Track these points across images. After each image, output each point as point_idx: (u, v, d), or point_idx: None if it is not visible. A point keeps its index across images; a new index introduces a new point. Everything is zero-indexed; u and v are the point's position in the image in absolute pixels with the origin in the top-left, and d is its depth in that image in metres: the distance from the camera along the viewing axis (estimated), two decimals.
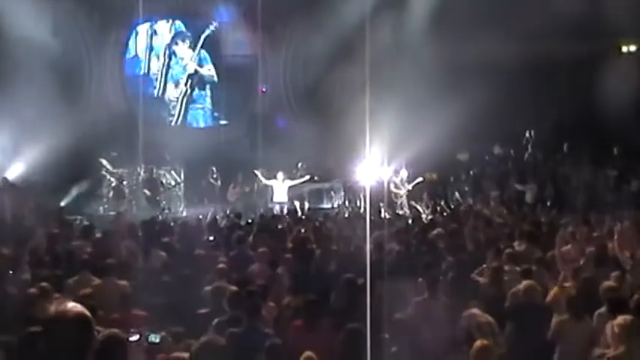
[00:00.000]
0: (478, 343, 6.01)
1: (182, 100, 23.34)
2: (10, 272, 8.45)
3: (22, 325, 6.33)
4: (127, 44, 22.52)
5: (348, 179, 20.63)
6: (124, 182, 19.93)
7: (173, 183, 21.11)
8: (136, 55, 22.84)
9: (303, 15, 22.39)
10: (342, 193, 20.99)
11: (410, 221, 15.25)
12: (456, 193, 20.13)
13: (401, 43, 21.94)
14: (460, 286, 8.67)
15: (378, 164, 19.09)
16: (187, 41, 23.19)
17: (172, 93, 23.23)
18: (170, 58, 23.07)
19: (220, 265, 8.84)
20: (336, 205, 20.70)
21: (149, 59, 22.93)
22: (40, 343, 4.32)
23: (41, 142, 18.14)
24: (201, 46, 23.21)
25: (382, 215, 16.60)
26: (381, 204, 17.74)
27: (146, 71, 22.94)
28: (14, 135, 18.06)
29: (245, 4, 22.64)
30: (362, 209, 18.62)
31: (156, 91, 23.11)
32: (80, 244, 10.84)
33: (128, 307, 7.16)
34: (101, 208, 19.85)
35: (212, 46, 23.07)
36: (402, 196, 19.53)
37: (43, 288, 7.40)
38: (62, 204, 18.29)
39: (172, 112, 23.28)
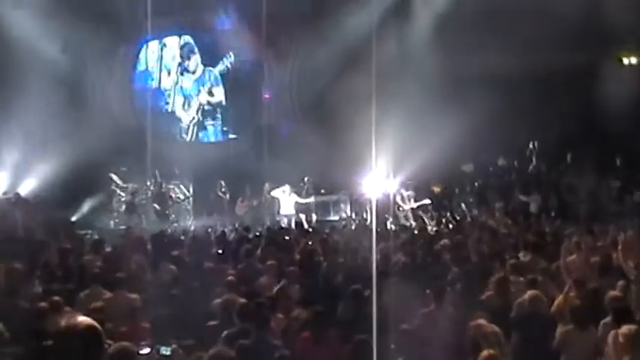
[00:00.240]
0: (485, 352, 5.99)
1: (192, 117, 23.38)
2: (22, 286, 8.45)
3: (34, 338, 6.36)
4: (136, 59, 22.59)
5: (354, 192, 20.61)
6: (133, 196, 19.95)
7: (182, 197, 21.16)
8: (145, 69, 22.91)
9: (308, 27, 22.45)
10: (349, 206, 20.97)
11: (415, 233, 15.24)
12: (462, 205, 20.08)
13: (406, 55, 21.98)
14: (466, 296, 8.65)
15: (384, 177, 19.08)
16: (196, 56, 23.26)
17: (182, 108, 23.27)
18: (179, 74, 23.14)
19: (229, 278, 8.84)
20: (342, 218, 20.68)
21: (158, 74, 23.00)
22: (50, 356, 4.32)
23: (52, 157, 18.24)
24: (209, 64, 23.32)
25: (388, 227, 16.57)
26: (387, 216, 17.72)
27: (155, 86, 22.99)
28: (26, 150, 18.12)
29: (251, 17, 22.69)
30: (368, 221, 18.59)
31: (165, 107, 23.15)
32: (91, 258, 10.87)
33: (137, 320, 7.16)
34: (111, 222, 19.88)
35: (218, 61, 23.11)
36: (406, 210, 19.51)
37: (55, 302, 7.42)
38: (73, 218, 18.34)
39: (182, 128, 23.31)
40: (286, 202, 19.65)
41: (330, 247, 12.44)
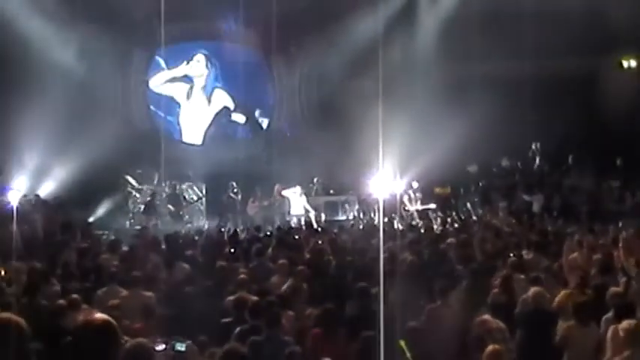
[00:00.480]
0: (490, 348, 5.98)
1: (205, 121, 23.43)
2: (42, 285, 8.49)
3: (53, 335, 6.39)
4: (150, 64, 22.64)
5: (362, 192, 20.60)
6: (149, 198, 20.00)
7: (195, 198, 21.21)
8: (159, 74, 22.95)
9: (316, 33, 22.48)
10: (357, 206, 20.96)
11: (422, 232, 15.22)
12: (467, 205, 20.03)
13: (412, 59, 21.99)
14: (471, 294, 8.64)
15: (391, 178, 19.06)
16: (207, 62, 23.29)
17: (194, 113, 23.31)
18: (192, 79, 23.18)
19: (241, 277, 8.85)
20: (350, 218, 20.68)
21: (172, 84, 23.04)
22: (68, 352, 4.36)
23: (70, 160, 18.31)
24: (220, 69, 23.37)
25: (395, 227, 16.55)
26: (394, 216, 17.70)
27: (170, 96, 23.04)
28: (45, 154, 18.21)
29: (260, 23, 22.74)
30: (375, 221, 18.57)
31: (178, 111, 23.20)
32: (108, 258, 10.90)
33: (151, 317, 7.17)
34: (127, 222, 19.94)
35: (229, 67, 23.13)
36: (412, 210, 19.50)
37: (73, 299, 7.47)
38: (90, 219, 18.40)
39: (195, 131, 23.35)
40: (296, 202, 19.70)
41: (338, 246, 12.45)
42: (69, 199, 18.26)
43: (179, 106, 23.11)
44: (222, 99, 23.49)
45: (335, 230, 15.99)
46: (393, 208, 17.89)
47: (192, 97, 23.21)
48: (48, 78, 18.17)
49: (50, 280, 8.93)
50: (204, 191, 21.25)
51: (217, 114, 23.49)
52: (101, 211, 19.37)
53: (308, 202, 20.19)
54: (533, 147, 21.98)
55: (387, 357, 5.79)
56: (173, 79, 22.91)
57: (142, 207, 19.92)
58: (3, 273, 9.48)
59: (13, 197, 14.67)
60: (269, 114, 24.21)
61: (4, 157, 17.68)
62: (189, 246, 12.21)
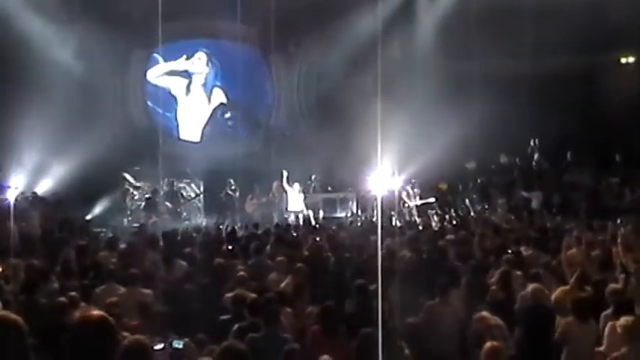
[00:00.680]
0: (488, 344, 5.98)
1: (203, 118, 23.42)
2: (41, 282, 8.47)
3: (52, 332, 6.39)
4: (148, 62, 22.62)
5: (361, 189, 20.61)
6: (150, 195, 20.00)
7: (193, 195, 21.20)
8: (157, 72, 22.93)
9: (315, 33, 22.47)
10: (355, 203, 20.96)
11: (420, 229, 15.22)
12: (466, 201, 20.03)
13: (411, 56, 21.99)
14: (470, 290, 8.65)
15: (389, 174, 19.04)
16: (206, 59, 23.28)
17: (192, 109, 23.29)
18: (190, 76, 23.16)
19: (240, 274, 8.84)
20: (349, 215, 20.68)
21: (170, 77, 23.02)
22: (66, 348, 4.38)
23: (68, 158, 18.31)
24: (218, 67, 23.35)
25: (393, 223, 16.56)
26: (393, 213, 17.70)
27: (168, 89, 23.02)
28: (43, 152, 18.19)
29: (259, 21, 22.72)
30: (374, 218, 18.58)
31: (176, 108, 23.18)
32: (106, 255, 10.90)
33: (148, 314, 7.16)
34: (125, 220, 19.93)
35: (228, 65, 23.11)
36: (411, 207, 19.50)
37: (71, 297, 7.45)
38: (88, 217, 18.41)
39: (193, 128, 23.34)
40: (294, 199, 19.69)
41: (337, 243, 12.45)
42: (67, 197, 18.27)
43: (177, 102, 23.09)
44: (221, 97, 23.48)
45: (333, 227, 15.99)
46: (391, 205, 17.89)
47: (190, 93, 23.21)
48: (46, 76, 18.14)
49: (48, 278, 8.92)
50: (202, 188, 21.23)
51: (215, 111, 23.47)
52: (99, 208, 19.38)
53: (306, 199, 20.19)
54: (532, 143, 21.97)
55: (386, 354, 5.78)
56: (172, 72, 22.88)
57: (143, 204, 19.93)
58: (1, 270, 9.47)
59: (11, 195, 14.64)
60: (267, 112, 24.21)
61: (2, 155, 17.65)
62: (188, 243, 12.19)
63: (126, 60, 22.01)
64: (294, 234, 14.56)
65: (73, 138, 18.17)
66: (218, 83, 23.44)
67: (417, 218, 18.64)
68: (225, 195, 20.54)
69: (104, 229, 17.27)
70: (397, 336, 6.99)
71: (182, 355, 5.29)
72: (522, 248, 10.84)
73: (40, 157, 18.23)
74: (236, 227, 16.45)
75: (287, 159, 20.79)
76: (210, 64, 23.33)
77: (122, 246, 11.99)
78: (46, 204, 17.32)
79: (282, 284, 8.86)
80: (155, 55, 22.51)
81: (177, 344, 5.27)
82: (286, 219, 19.34)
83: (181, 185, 20.98)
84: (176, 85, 23.02)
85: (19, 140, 17.77)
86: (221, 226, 16.57)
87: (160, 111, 22.64)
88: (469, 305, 8.09)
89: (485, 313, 7.28)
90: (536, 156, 22.01)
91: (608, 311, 7.18)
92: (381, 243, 10.77)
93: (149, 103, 22.67)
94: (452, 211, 18.68)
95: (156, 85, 22.69)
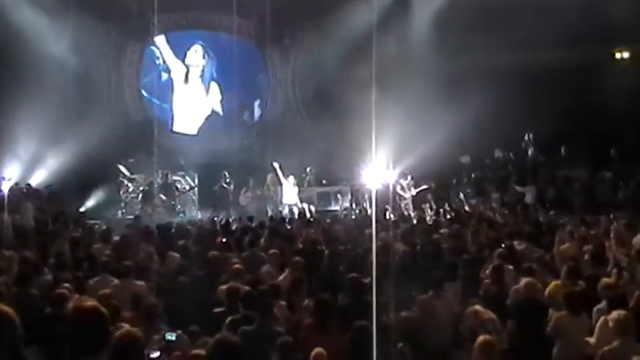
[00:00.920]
0: (481, 338, 5.98)
1: (198, 110, 23.37)
2: (34, 274, 8.45)
3: (45, 324, 6.38)
4: (143, 55, 22.54)
5: (355, 182, 20.62)
6: (147, 187, 19.97)
7: (188, 188, 21.16)
8: (152, 64, 22.84)
9: (311, 26, 22.43)
10: (349, 196, 20.96)
11: (415, 223, 15.23)
12: (460, 195, 20.05)
13: (405, 50, 21.95)
14: (464, 284, 8.66)
15: (384, 168, 19.05)
16: (201, 51, 23.23)
17: (187, 102, 23.24)
18: (185, 68, 23.10)
19: (234, 267, 8.83)
20: (343, 208, 20.68)
21: (165, 70, 22.96)
22: (59, 339, 4.38)
23: (62, 150, 18.26)
24: (214, 59, 23.30)
25: (388, 217, 16.57)
26: (387, 206, 17.71)
27: (162, 81, 22.96)
28: (37, 143, 18.14)
29: (255, 16, 22.69)
30: (368, 211, 18.58)
31: (171, 100, 23.13)
32: (100, 248, 10.88)
33: (141, 306, 7.15)
34: (120, 212, 19.89)
35: (223, 57, 23.06)
36: (407, 199, 19.51)
37: (65, 289, 7.43)
38: (82, 209, 18.38)
39: (188, 121, 23.29)
40: (289, 192, 19.68)
41: (331, 236, 12.45)
42: (61, 189, 18.24)
43: (174, 92, 23.03)
44: (217, 90, 23.42)
45: (328, 220, 15.99)
46: (386, 199, 17.89)
47: (187, 84, 23.16)
48: (41, 68, 18.09)
49: (42, 270, 8.90)
50: (196, 181, 21.20)
51: (211, 104, 23.43)
52: (93, 200, 19.36)
53: (301, 192, 20.18)
54: (526, 138, 22.01)
55: (380, 347, 5.78)
56: (168, 69, 22.85)
57: (140, 196, 19.90)
58: None
59: (5, 186, 14.62)
60: (262, 104, 24.17)
61: None
62: (182, 236, 12.17)
63: (121, 52, 21.95)
64: (289, 227, 14.55)
65: (68, 130, 18.16)
66: (215, 76, 23.38)
67: (411, 212, 18.64)
68: (219, 188, 20.52)
69: (98, 221, 17.24)
70: (392, 331, 6.99)
71: (174, 347, 5.28)
72: (516, 242, 10.85)
73: (34, 148, 18.19)
74: (230, 220, 16.42)
75: (282, 152, 20.78)
76: (206, 57, 23.28)
77: (116, 238, 11.96)
78: (39, 196, 17.30)
79: (280, 277, 8.84)
80: (152, 47, 22.44)
81: (170, 336, 5.26)
82: (281, 212, 19.35)
83: (176, 178, 20.93)
84: (177, 69, 22.94)
85: (13, 131, 17.73)
86: (215, 219, 16.54)
87: (157, 102, 22.60)
88: (463, 299, 8.10)
89: (478, 307, 7.28)
90: (530, 150, 22.06)
91: (602, 305, 7.19)
92: (376, 236, 10.77)
93: (145, 93, 22.61)
94: (446, 205, 18.67)
95: (153, 74, 22.62)
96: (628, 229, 11.15)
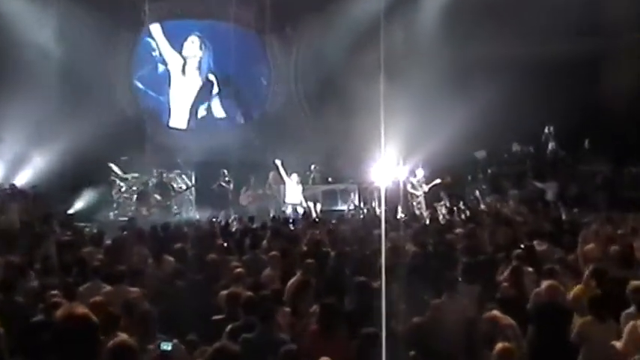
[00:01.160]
0: (499, 346, 5.95)
1: (195, 105, 23.38)
2: (19, 280, 8.44)
3: (31, 333, 6.37)
4: (135, 45, 22.55)
5: (363, 180, 20.60)
6: (142, 187, 19.98)
7: (184, 187, 21.16)
8: (146, 55, 22.86)
9: (314, 14, 22.40)
10: (357, 195, 20.94)
11: (427, 222, 15.22)
12: (476, 193, 20.01)
13: (416, 40, 21.90)
14: (479, 288, 8.62)
15: (394, 164, 19.02)
16: (198, 42, 23.23)
17: (183, 96, 23.25)
18: (181, 59, 23.10)
19: (235, 270, 8.82)
20: (350, 207, 20.67)
21: (162, 62, 22.98)
22: (47, 348, 4.38)
23: (49, 148, 18.25)
24: (212, 51, 23.30)
25: (398, 216, 16.55)
26: (397, 205, 17.69)
27: (156, 73, 22.98)
28: (22, 141, 18.15)
29: (255, 4, 22.68)
30: (377, 210, 18.56)
31: (166, 94, 23.15)
32: (91, 251, 10.87)
33: (134, 313, 7.14)
34: (112, 214, 19.91)
35: (222, 48, 23.06)
36: (419, 197, 19.49)
37: (52, 295, 7.42)
38: (71, 210, 18.39)
39: (184, 116, 23.31)
40: (292, 191, 19.67)
41: (337, 237, 12.44)
42: (48, 189, 18.23)
43: (170, 84, 23.04)
44: (215, 82, 23.43)
45: (334, 221, 15.99)
46: (395, 197, 17.87)
47: (185, 77, 23.17)
48: (26, 61, 18.11)
49: (28, 276, 8.89)
50: (193, 180, 21.20)
51: (209, 97, 23.44)
52: (83, 201, 19.35)
53: (305, 190, 20.16)
54: (547, 130, 21.95)
55: (389, 355, 5.75)
56: (161, 59, 22.85)
57: (135, 197, 19.93)
58: None
59: None
60: (263, 97, 24.16)
61: None
62: (179, 238, 12.17)
63: (112, 42, 21.91)
64: (292, 228, 14.56)
65: (55, 126, 18.14)
66: (213, 68, 23.39)
67: (423, 211, 18.61)
68: (218, 187, 20.55)
69: (89, 224, 17.25)
70: (402, 339, 6.96)
71: (170, 357, 5.27)
72: (536, 243, 10.81)
73: (19, 146, 18.21)
74: (230, 221, 16.44)
75: (284, 148, 20.76)
76: (203, 48, 23.29)
77: (108, 241, 11.96)
78: (25, 196, 17.31)
79: (290, 281, 8.80)
80: (147, 39, 22.45)
81: (166, 346, 5.25)
82: (284, 212, 19.36)
83: (172, 176, 20.96)
84: (173, 61, 22.95)
85: None
86: (214, 220, 16.54)
87: (153, 94, 22.62)
88: (479, 304, 8.06)
89: (495, 312, 7.24)
90: (550, 144, 21.99)
91: (631, 310, 7.14)
92: (385, 237, 10.76)
93: (140, 85, 22.62)
94: (460, 203, 18.64)
95: (149, 66, 22.64)
96: None
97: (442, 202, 19.06)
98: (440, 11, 21.61)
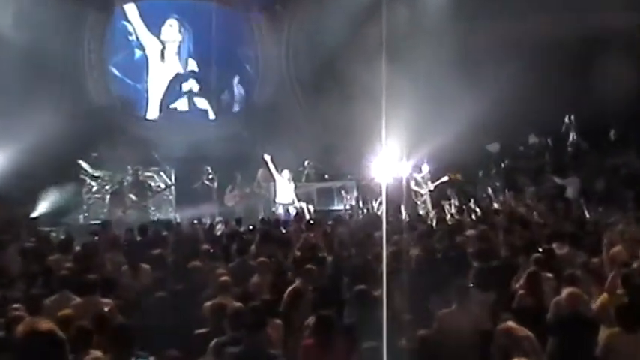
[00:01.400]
0: None
1: (175, 94, 23.37)
2: None
3: None
4: (107, 28, 22.51)
5: (362, 177, 20.63)
6: (117, 187, 19.98)
7: (163, 186, 21.15)
8: (119, 39, 22.83)
9: None
10: (355, 193, 20.97)
11: (434, 223, 15.24)
12: (489, 189, 20.06)
13: (421, 20, 21.91)
14: (493, 296, 8.63)
15: (396, 159, 19.05)
16: (177, 26, 23.22)
17: (161, 84, 23.24)
18: (158, 44, 23.09)
19: (221, 279, 8.83)
20: (348, 207, 20.70)
21: (136, 46, 22.97)
22: None
23: (8, 145, 18.17)
24: (192, 34, 23.30)
25: (402, 217, 16.58)
26: (401, 204, 17.71)
27: (130, 59, 22.96)
28: None
29: None
30: (378, 211, 18.58)
31: (142, 83, 23.14)
32: (58, 259, 10.86)
33: (106, 328, 7.14)
34: (81, 217, 19.89)
35: (203, 31, 23.04)
36: (424, 196, 19.52)
37: (15, 309, 7.41)
38: (35, 214, 18.35)
39: (162, 107, 23.30)
40: (283, 189, 19.67)
41: (334, 241, 12.46)
42: (8, 191, 18.16)
43: (142, 76, 23.03)
44: (196, 69, 23.43)
45: (330, 222, 16.03)
46: (399, 196, 17.90)
47: (164, 63, 23.16)
48: None
49: None
50: (173, 178, 21.20)
51: (189, 86, 23.45)
52: (48, 204, 19.29)
53: (298, 189, 20.17)
54: (567, 120, 21.99)
55: None
56: (136, 44, 22.85)
57: (108, 197, 19.94)
58: None
59: None
60: (250, 85, 24.15)
61: None
62: (157, 243, 12.18)
63: (80, 25, 21.83)
64: (284, 231, 14.58)
65: (15, 120, 18.05)
66: (193, 53, 23.38)
67: (429, 210, 18.65)
68: (201, 185, 20.54)
69: (55, 228, 17.23)
70: (406, 353, 6.98)
71: None
72: (555, 245, 10.84)
73: None
74: (214, 224, 16.46)
75: (275, 142, 20.76)
76: (183, 31, 23.28)
77: (77, 247, 11.95)
78: None
79: (289, 289, 8.80)
80: (124, 22, 22.42)
81: None
82: (274, 213, 19.37)
83: (149, 174, 20.93)
84: (151, 46, 22.95)
85: None
86: (197, 223, 16.57)
87: (130, 82, 22.60)
88: (492, 314, 8.07)
89: (511, 323, 7.26)
90: (571, 135, 22.03)
91: None
92: (387, 240, 10.78)
93: (116, 71, 22.58)
94: (471, 202, 18.67)
95: (125, 51, 22.62)
96: None
97: (450, 201, 19.07)
98: None
